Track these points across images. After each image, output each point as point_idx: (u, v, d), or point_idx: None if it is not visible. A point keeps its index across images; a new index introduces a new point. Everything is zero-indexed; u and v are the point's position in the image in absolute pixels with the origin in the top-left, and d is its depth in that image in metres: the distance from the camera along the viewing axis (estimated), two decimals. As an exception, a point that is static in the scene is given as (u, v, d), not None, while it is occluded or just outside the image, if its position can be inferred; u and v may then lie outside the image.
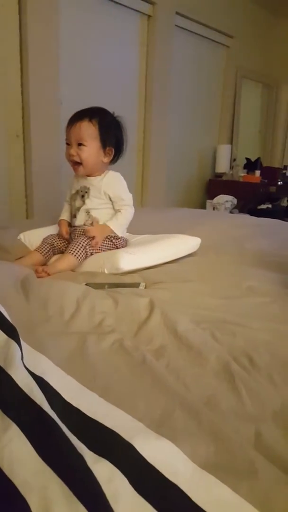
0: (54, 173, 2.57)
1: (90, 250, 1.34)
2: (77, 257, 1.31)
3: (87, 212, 1.44)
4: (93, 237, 1.35)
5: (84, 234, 1.38)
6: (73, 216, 1.49)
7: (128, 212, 1.44)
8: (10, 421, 0.50)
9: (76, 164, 1.40)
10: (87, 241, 1.34)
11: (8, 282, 1.04)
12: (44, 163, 2.55)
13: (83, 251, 1.32)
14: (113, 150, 1.41)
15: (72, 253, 1.31)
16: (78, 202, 1.46)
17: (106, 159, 1.41)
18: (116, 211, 1.44)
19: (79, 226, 1.45)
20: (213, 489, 0.46)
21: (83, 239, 1.34)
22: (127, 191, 1.46)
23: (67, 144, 1.40)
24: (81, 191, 1.45)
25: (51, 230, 1.52)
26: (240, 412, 0.61)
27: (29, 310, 0.92)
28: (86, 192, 1.44)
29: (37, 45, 2.38)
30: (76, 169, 1.42)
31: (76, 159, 1.38)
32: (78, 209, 1.46)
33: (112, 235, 1.43)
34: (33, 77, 2.40)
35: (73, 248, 1.32)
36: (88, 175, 1.44)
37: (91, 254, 1.35)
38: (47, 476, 0.43)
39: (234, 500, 0.44)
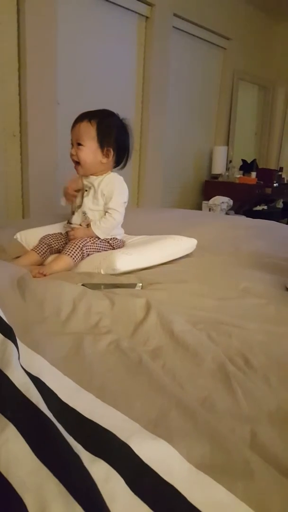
0: (51, 172, 2.57)
1: (86, 251, 1.34)
2: (74, 258, 1.31)
3: (84, 213, 1.44)
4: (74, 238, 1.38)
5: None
6: (72, 213, 1.49)
7: (113, 217, 1.41)
8: (7, 421, 0.50)
9: (76, 164, 1.41)
10: (83, 242, 1.34)
11: (4, 282, 1.04)
12: (40, 163, 2.55)
13: (80, 252, 1.32)
14: (111, 150, 1.40)
15: (69, 254, 1.31)
16: (78, 200, 1.47)
17: (105, 160, 1.41)
18: (105, 213, 1.44)
19: (74, 225, 1.45)
20: (208, 489, 0.46)
21: (79, 240, 1.34)
22: (122, 195, 1.43)
23: (72, 144, 1.42)
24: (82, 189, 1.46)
25: (48, 229, 1.51)
26: (236, 413, 0.61)
27: (25, 310, 0.92)
28: (86, 190, 1.44)
29: (35, 45, 2.38)
30: (76, 169, 1.43)
31: (75, 158, 1.40)
32: (77, 207, 1.46)
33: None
34: (31, 77, 2.40)
35: (69, 249, 1.32)
36: (91, 174, 1.44)
37: (88, 255, 1.35)
38: (44, 475, 0.43)
39: (230, 500, 0.45)
